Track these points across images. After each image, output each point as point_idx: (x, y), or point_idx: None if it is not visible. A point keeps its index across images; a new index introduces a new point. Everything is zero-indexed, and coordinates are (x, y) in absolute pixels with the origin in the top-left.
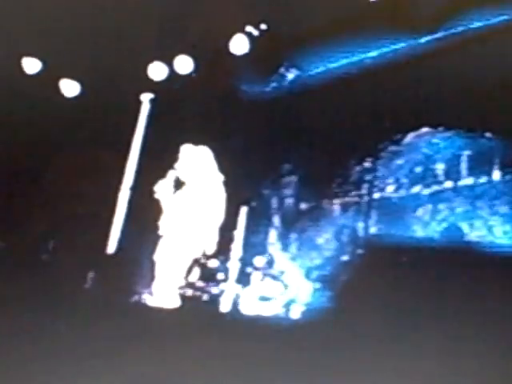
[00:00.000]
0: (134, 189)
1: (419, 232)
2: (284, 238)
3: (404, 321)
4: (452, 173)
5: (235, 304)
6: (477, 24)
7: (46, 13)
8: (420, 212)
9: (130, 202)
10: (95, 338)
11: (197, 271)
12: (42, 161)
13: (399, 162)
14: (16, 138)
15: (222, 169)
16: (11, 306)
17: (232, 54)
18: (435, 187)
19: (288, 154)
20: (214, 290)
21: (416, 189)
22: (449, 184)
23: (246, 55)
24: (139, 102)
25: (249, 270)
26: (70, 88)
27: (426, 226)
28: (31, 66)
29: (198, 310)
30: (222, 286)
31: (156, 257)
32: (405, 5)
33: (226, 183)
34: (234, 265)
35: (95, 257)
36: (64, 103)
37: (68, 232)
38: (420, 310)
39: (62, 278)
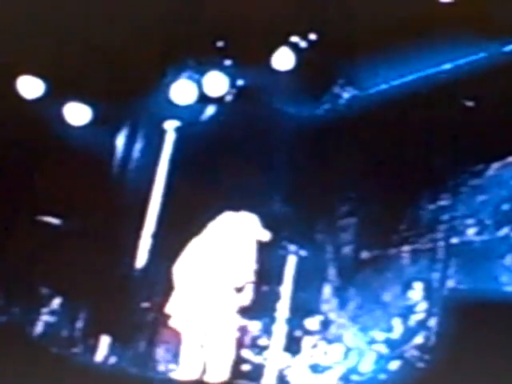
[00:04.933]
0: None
1: (509, 285)
2: (341, 295)
3: None
4: None
5: (282, 376)
6: None
7: (49, 27)
8: (509, 260)
9: (151, 255)
10: None
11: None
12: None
13: (482, 198)
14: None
15: (262, 210)
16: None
17: (275, 71)
18: None
19: (345, 190)
20: (256, 360)
21: (503, 231)
22: None
23: (291, 71)
24: (162, 132)
25: (298, 333)
26: (78, 113)
27: None
28: (33, 87)
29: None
30: (266, 354)
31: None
32: (484, 5)
33: (269, 227)
34: (279, 328)
35: (110, 319)
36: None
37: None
38: None
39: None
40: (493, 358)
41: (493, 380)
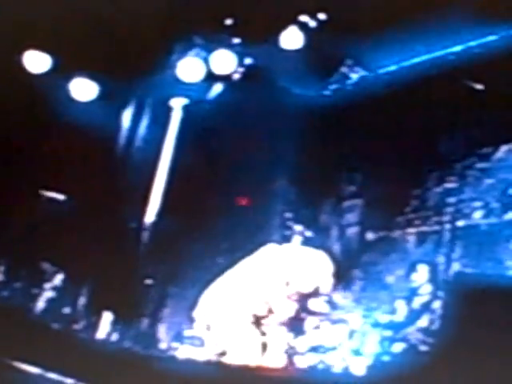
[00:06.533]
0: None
1: None
2: (346, 276)
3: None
4: None
5: (284, 357)
6: None
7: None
8: None
9: (155, 233)
10: None
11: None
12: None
13: (489, 181)
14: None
15: (267, 190)
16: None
17: (283, 50)
18: None
19: (351, 171)
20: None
21: (510, 215)
22: None
23: (299, 51)
24: (168, 109)
25: (302, 314)
26: (85, 89)
27: None
28: (40, 62)
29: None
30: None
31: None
32: None
33: (275, 208)
34: (283, 308)
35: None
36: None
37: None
38: None
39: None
40: (496, 342)
41: (496, 364)
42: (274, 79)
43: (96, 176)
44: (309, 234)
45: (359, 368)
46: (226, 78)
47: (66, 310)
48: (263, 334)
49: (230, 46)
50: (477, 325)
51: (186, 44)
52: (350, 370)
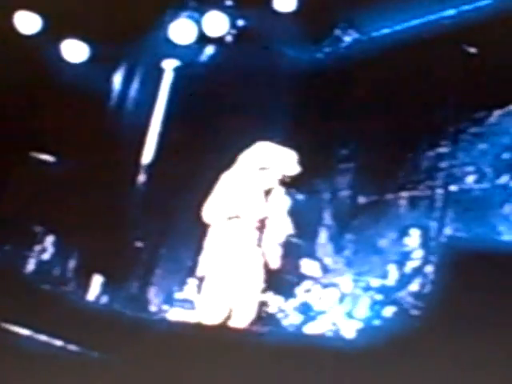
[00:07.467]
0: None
1: (506, 234)
2: (337, 239)
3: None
4: None
5: (275, 320)
6: None
7: None
8: (507, 209)
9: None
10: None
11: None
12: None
13: (482, 146)
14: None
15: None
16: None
17: (276, 12)
18: None
19: (344, 135)
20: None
21: (503, 179)
22: None
23: (292, 13)
24: (160, 71)
25: (292, 278)
26: (76, 50)
27: None
28: (30, 23)
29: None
30: (260, 297)
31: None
32: None
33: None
34: (273, 272)
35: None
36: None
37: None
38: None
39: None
40: (487, 307)
41: (487, 329)
42: (266, 41)
43: (87, 138)
44: (300, 196)
45: (350, 331)
46: (218, 40)
47: (56, 272)
48: (254, 296)
49: (223, 8)
50: (468, 289)
51: (178, 5)
52: (340, 334)
